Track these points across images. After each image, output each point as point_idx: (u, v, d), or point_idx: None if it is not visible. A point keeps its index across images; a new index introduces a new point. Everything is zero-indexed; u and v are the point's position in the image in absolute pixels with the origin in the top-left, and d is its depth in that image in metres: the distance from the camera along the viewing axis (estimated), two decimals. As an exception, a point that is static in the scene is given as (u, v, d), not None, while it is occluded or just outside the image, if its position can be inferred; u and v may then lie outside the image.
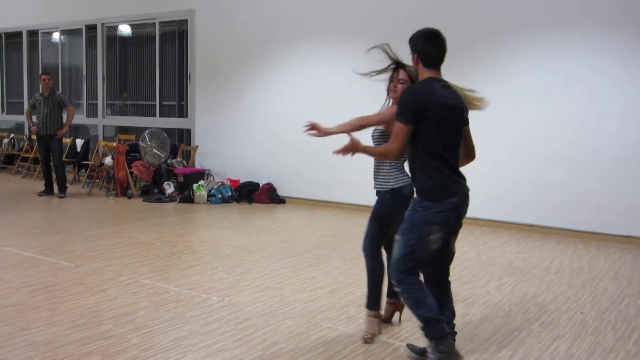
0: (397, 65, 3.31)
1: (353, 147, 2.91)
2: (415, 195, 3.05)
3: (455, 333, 3.08)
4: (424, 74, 2.95)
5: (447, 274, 3.16)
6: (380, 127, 3.33)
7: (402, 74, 3.30)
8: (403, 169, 3.33)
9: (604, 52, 6.13)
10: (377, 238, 3.42)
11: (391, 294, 3.60)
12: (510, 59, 6.61)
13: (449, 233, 2.96)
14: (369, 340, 3.37)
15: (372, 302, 3.44)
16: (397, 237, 3.01)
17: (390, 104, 3.35)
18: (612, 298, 4.36)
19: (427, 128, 2.82)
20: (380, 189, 3.36)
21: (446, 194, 2.85)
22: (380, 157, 3.27)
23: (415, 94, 2.91)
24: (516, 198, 6.69)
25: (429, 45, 2.95)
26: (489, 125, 6.70)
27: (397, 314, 3.72)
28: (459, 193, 2.89)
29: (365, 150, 2.98)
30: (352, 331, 3.62)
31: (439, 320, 2.89)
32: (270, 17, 8.25)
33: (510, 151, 6.66)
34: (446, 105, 2.84)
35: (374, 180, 3.42)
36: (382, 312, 3.61)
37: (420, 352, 3.10)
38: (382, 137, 3.33)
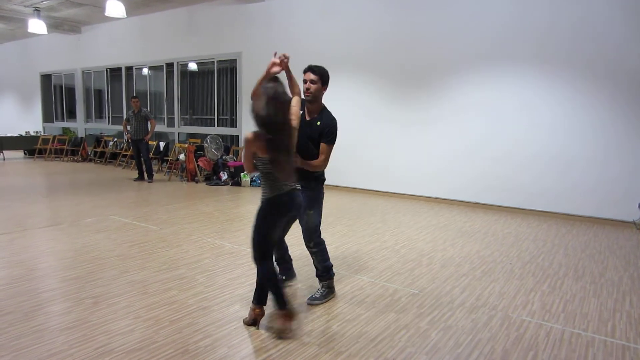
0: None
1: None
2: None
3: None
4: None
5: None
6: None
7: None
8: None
9: (534, 80, 6.01)
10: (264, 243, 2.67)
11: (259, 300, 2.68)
12: (460, 85, 6.52)
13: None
14: (248, 323, 2.68)
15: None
16: (310, 211, 3.03)
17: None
18: (532, 254, 4.34)
19: None
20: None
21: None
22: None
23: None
24: (465, 183, 6.64)
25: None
26: (449, 131, 6.69)
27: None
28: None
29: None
30: (347, 273, 3.62)
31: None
32: (292, 56, 8.18)
33: (463, 151, 6.57)
34: None
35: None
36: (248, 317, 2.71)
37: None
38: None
